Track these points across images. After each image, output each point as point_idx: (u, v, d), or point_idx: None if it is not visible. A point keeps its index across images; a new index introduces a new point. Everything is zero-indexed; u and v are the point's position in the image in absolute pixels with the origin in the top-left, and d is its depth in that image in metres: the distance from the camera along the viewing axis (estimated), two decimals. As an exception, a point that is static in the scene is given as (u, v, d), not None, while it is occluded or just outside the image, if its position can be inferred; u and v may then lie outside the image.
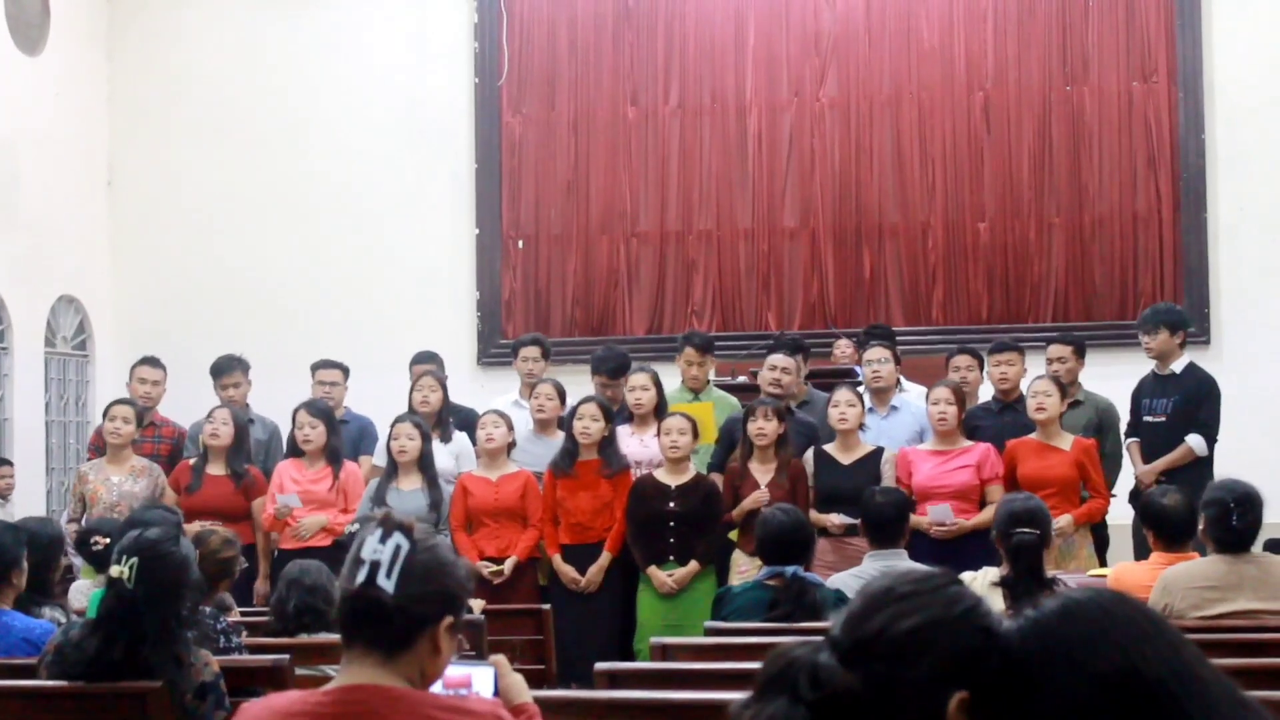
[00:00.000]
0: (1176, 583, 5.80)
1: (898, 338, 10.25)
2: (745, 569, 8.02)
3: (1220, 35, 11.87)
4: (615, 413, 8.77)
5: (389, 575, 2.61)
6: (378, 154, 12.81)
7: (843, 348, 10.72)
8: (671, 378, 9.36)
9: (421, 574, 2.66)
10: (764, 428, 8.19)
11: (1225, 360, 11.35)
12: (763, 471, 8.23)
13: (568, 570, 8.38)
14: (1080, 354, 9.08)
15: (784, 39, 12.47)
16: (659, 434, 8.39)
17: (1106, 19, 12.06)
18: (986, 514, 8.03)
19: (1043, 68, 12.14)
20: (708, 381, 9.24)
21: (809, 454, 8.37)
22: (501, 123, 12.73)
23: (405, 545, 2.64)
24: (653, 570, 8.22)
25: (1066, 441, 8.24)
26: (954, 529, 7.96)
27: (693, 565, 8.19)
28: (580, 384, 9.70)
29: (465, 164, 12.76)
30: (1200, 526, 5.90)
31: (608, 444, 8.47)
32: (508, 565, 8.31)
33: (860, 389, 8.85)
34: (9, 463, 10.92)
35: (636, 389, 8.78)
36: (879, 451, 8.33)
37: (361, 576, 2.63)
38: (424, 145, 12.77)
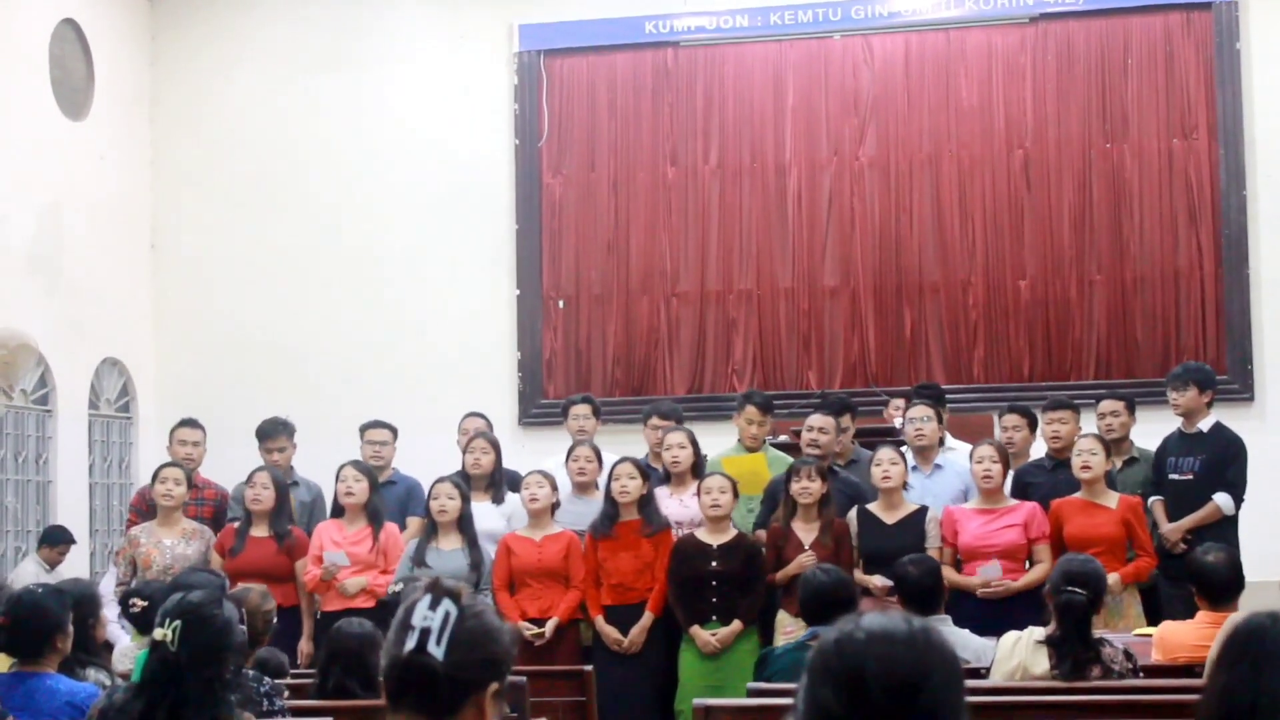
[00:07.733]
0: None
1: (939, 396, 10.18)
2: (790, 629, 7.96)
3: (1260, 91, 11.84)
4: (654, 472, 8.74)
5: (439, 642, 2.60)
6: (419, 215, 12.87)
7: (896, 407, 10.65)
8: (711, 437, 9.31)
9: (469, 641, 2.65)
10: (808, 487, 8.13)
11: (1268, 417, 11.28)
12: (806, 531, 8.17)
13: (610, 631, 8.36)
14: (1131, 409, 9.00)
15: (823, 98, 12.50)
16: (698, 493, 8.37)
17: (1146, 76, 12.04)
18: (1034, 573, 7.98)
19: (1082, 125, 12.12)
20: (765, 440, 9.20)
21: (852, 513, 8.30)
22: (542, 183, 12.78)
23: (454, 611, 2.64)
24: (696, 630, 8.19)
25: (1113, 500, 8.15)
26: (1000, 590, 7.88)
27: (736, 625, 8.17)
28: (622, 443, 9.68)
29: (506, 225, 12.80)
30: None
31: (646, 503, 8.46)
32: (549, 627, 8.28)
33: (904, 448, 8.81)
34: (73, 541, 10.89)
35: (674, 447, 8.75)
36: (923, 511, 8.25)
37: (411, 643, 2.62)
38: (465, 206, 12.82)
